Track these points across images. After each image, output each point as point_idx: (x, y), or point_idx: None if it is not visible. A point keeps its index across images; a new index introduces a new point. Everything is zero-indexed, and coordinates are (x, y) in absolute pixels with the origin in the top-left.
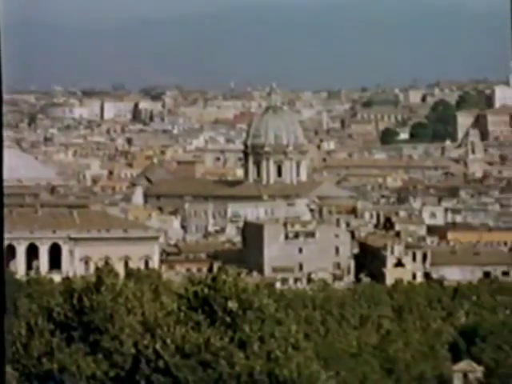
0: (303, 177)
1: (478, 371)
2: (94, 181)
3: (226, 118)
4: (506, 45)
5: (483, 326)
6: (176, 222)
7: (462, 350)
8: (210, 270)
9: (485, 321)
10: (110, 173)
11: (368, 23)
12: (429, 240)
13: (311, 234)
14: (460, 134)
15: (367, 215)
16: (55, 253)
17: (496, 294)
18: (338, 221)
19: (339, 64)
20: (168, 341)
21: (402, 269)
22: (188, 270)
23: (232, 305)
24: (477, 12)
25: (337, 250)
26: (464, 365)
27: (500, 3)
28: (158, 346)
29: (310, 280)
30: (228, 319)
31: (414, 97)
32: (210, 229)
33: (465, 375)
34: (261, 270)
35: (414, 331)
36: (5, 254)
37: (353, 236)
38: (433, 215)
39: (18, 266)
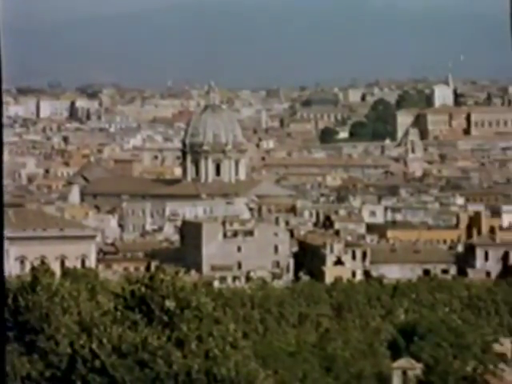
0: (242, 175)
1: (417, 368)
2: (30, 179)
3: (164, 116)
4: (444, 44)
5: (422, 324)
6: (113, 221)
7: (401, 347)
8: (148, 269)
9: (424, 318)
10: (46, 171)
11: (307, 22)
12: (368, 238)
13: (250, 233)
14: (400, 133)
15: (306, 214)
16: None
17: (435, 291)
18: (277, 219)
19: (278, 63)
20: (104, 340)
21: (342, 267)
22: (125, 269)
23: (169, 304)
24: (415, 12)
25: (276, 248)
26: (403, 362)
27: (437, 4)
28: (94, 346)
29: (248, 279)
30: (165, 318)
31: (354, 96)
32: (148, 228)
33: (404, 373)
34: (199, 269)
35: (353, 329)
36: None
37: (292, 235)
38: (372, 214)
39: None
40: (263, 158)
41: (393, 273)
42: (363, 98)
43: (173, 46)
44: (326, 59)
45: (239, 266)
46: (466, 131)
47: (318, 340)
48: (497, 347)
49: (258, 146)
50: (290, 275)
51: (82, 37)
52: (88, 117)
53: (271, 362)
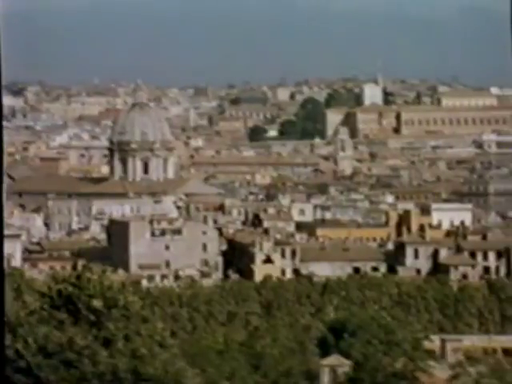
0: (170, 174)
1: (347, 366)
2: None
3: (91, 114)
4: (373, 43)
5: (352, 321)
6: (39, 220)
7: (330, 345)
8: (75, 268)
9: (354, 316)
10: None
11: (234, 21)
12: (298, 236)
13: (178, 232)
14: (329, 132)
15: (235, 212)
16: None
17: (365, 289)
18: (205, 218)
19: (206, 61)
20: (30, 340)
21: (271, 265)
22: (51, 268)
23: (97, 303)
24: (345, 11)
25: (204, 247)
26: (332, 359)
27: (366, 4)
28: (19, 346)
29: (177, 277)
30: (92, 317)
31: (283, 94)
32: (74, 226)
33: (333, 370)
34: (126, 268)
35: (282, 327)
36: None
37: (221, 233)
38: (302, 212)
39: None
40: (192, 157)
41: (322, 271)
42: (292, 96)
43: (99, 44)
44: (255, 58)
45: (167, 264)
46: (396, 130)
47: (246, 338)
48: (426, 344)
49: (186, 144)
50: (219, 274)
51: (6, 32)
52: (13, 114)
53: (199, 360)
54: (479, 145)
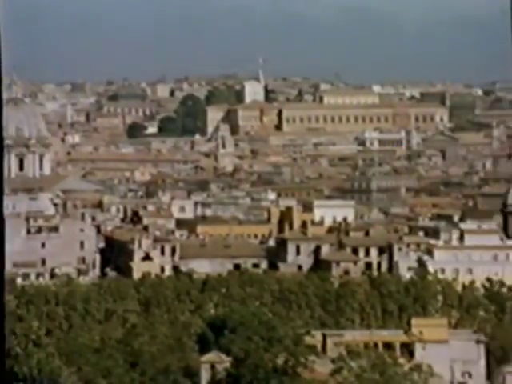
0: (47, 170)
1: (227, 362)
2: None
3: None
4: (255, 41)
5: (232, 318)
6: None
7: (210, 341)
8: None
9: (234, 312)
10: None
11: (112, 17)
12: (178, 234)
13: (55, 229)
14: (210, 129)
15: (114, 209)
16: None
17: (246, 285)
18: (83, 215)
19: (83, 56)
20: None
21: (150, 262)
22: None
23: None
24: (224, 8)
25: (82, 244)
26: (212, 356)
27: (246, 1)
28: None
29: (53, 275)
30: None
31: (162, 91)
32: None
33: (213, 366)
34: None
35: (161, 324)
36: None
37: (99, 230)
38: (182, 209)
39: None
40: (69, 153)
41: (203, 267)
42: (172, 93)
43: None
44: (134, 54)
45: (43, 262)
46: (278, 127)
47: (124, 336)
48: (308, 339)
49: (63, 140)
50: (97, 271)
51: None
52: None
53: (75, 358)
54: (361, 142)
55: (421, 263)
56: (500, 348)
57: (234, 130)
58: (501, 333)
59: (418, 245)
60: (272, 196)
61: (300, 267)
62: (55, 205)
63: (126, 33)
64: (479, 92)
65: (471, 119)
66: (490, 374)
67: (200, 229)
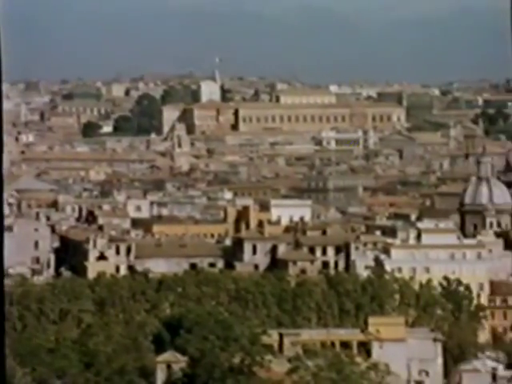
0: None
1: (183, 362)
2: None
3: None
4: (210, 40)
5: (188, 317)
6: None
7: (166, 341)
8: None
9: (190, 312)
10: None
11: (68, 16)
12: (133, 233)
13: (9, 229)
14: (166, 128)
15: (69, 209)
16: None
17: (202, 285)
18: (37, 214)
19: (37, 55)
20: None
21: (105, 262)
22: None
23: None
24: (182, 7)
25: (36, 244)
26: (168, 356)
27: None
28: None
29: (7, 275)
30: None
31: (117, 90)
32: None
33: (168, 366)
34: None
35: (116, 324)
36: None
37: (53, 230)
38: (138, 208)
39: None
40: (23, 152)
41: (158, 267)
42: (127, 92)
43: None
44: (89, 53)
45: None
46: (234, 126)
47: (79, 336)
48: (264, 339)
49: (17, 139)
50: (51, 271)
51: None
52: None
53: (29, 359)
54: (318, 142)
55: (378, 262)
56: (457, 346)
57: (190, 130)
58: (458, 331)
59: (375, 244)
60: (228, 195)
61: (256, 266)
62: (9, 204)
63: (80, 31)
64: (436, 92)
65: (428, 119)
66: (447, 373)
67: (156, 228)
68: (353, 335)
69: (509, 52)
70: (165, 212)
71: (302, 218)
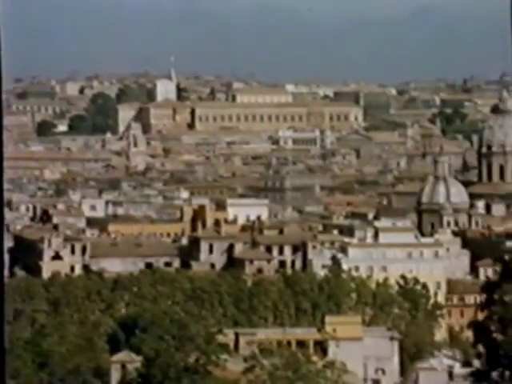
0: None
1: (137, 362)
2: None
3: None
4: (166, 39)
5: (144, 317)
6: None
7: (121, 341)
8: None
9: (146, 311)
10: None
11: (20, 12)
12: (89, 232)
13: None
14: (121, 127)
15: (23, 208)
16: None
17: (157, 284)
18: None
19: None
20: None
21: (60, 262)
22: None
23: None
24: (137, 4)
25: None
26: (122, 356)
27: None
28: None
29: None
30: None
31: (72, 89)
32: None
33: (123, 366)
34: None
35: (71, 324)
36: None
37: (8, 229)
38: (93, 208)
39: None
40: None
41: (114, 267)
42: (82, 91)
43: None
44: (43, 51)
45: None
46: (190, 126)
47: (33, 336)
48: (220, 338)
49: None
50: (5, 271)
51: None
52: None
53: None
54: (275, 141)
55: (335, 261)
56: (414, 345)
57: (146, 129)
58: (415, 329)
59: (333, 243)
60: (185, 195)
61: (213, 266)
62: None
63: (33, 29)
64: (393, 91)
65: (385, 118)
66: (403, 371)
67: (111, 228)
68: (309, 334)
69: (461, 52)
70: (120, 211)
71: (258, 217)
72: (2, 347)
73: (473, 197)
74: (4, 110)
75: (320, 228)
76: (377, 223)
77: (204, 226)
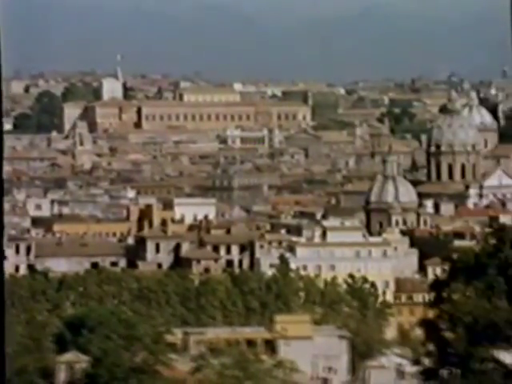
0: None
1: (84, 362)
2: None
3: None
4: (114, 36)
5: (91, 317)
6: None
7: (67, 341)
8: None
9: (92, 311)
10: None
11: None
12: (34, 232)
13: None
14: (67, 126)
15: None
16: None
17: (104, 284)
18: None
19: None
20: None
21: (5, 261)
22: None
23: None
24: (84, 3)
25: None
26: (69, 356)
27: None
28: None
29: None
30: None
31: (17, 87)
32: None
33: (70, 367)
34: None
35: (17, 324)
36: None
37: None
38: (38, 207)
39: None
40: None
41: (59, 266)
42: (27, 89)
43: None
44: None
45: None
46: (137, 124)
47: None
48: (169, 337)
49: None
50: None
51: None
52: None
53: None
54: (223, 140)
55: (283, 260)
56: (364, 343)
57: (92, 128)
58: (364, 328)
59: (280, 242)
60: (131, 194)
61: (160, 265)
62: None
63: None
64: (342, 91)
65: (334, 118)
66: (354, 369)
67: (56, 227)
68: (258, 333)
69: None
70: (66, 211)
71: (206, 217)
72: (2, 347)
73: (421, 196)
74: None
75: (268, 227)
76: (325, 222)
77: (151, 225)
